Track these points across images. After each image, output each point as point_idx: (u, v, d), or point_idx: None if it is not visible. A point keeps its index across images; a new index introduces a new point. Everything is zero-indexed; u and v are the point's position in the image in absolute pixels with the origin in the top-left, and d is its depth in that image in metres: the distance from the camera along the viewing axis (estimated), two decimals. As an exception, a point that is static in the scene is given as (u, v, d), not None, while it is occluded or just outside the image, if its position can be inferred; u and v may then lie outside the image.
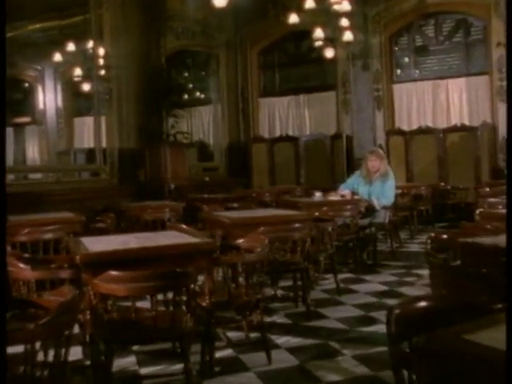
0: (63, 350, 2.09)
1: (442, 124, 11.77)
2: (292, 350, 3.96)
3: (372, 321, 4.64)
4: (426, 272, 6.57)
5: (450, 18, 11.83)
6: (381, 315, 4.78)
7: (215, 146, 13.59)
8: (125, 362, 3.72)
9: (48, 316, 1.95)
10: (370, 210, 6.99)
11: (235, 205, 8.31)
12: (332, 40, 10.50)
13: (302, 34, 12.45)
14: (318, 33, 10.05)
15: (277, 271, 4.53)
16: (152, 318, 2.79)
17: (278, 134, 13.28)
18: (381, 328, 4.43)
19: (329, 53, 10.46)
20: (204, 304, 3.34)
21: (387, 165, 7.31)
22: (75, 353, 3.60)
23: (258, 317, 3.66)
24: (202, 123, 14.14)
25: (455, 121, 11.66)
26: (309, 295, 4.81)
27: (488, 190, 8.54)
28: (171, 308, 2.97)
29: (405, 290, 5.71)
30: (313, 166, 12.56)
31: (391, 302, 5.24)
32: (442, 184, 11.13)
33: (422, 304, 1.90)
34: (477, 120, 11.51)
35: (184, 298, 3.04)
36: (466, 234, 4.29)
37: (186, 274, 2.83)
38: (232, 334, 4.21)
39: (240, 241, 3.95)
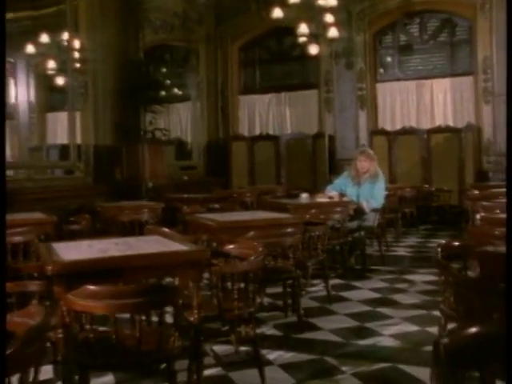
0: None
1: (426, 125, 11.57)
2: (286, 367, 3.62)
3: (368, 333, 4.33)
4: (417, 277, 6.32)
5: (435, 17, 11.63)
6: (377, 326, 4.48)
7: (193, 144, 13.21)
8: (101, 383, 3.35)
9: (12, 345, 1.59)
10: (359, 213, 6.69)
11: (216, 205, 7.99)
12: (316, 36, 10.19)
13: (285, 30, 12.12)
14: (303, 28, 9.74)
15: (267, 279, 4.19)
16: (135, 338, 2.43)
17: (258, 132, 12.97)
18: (378, 341, 4.14)
19: (313, 49, 10.14)
20: (192, 319, 2.98)
21: (377, 166, 7.01)
22: (46, 371, 3.23)
23: (251, 332, 3.31)
24: (180, 120, 13.75)
25: (439, 122, 11.47)
26: (300, 305, 4.47)
27: (477, 192, 8.30)
28: (156, 325, 2.61)
29: (398, 297, 5.42)
30: (294, 165, 12.27)
31: (385, 310, 4.95)
32: (426, 186, 10.92)
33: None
34: (461, 121, 11.33)
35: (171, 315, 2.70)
36: (477, 242, 4.02)
37: (173, 289, 2.48)
38: (219, 348, 3.86)
39: (230, 247, 3.60)
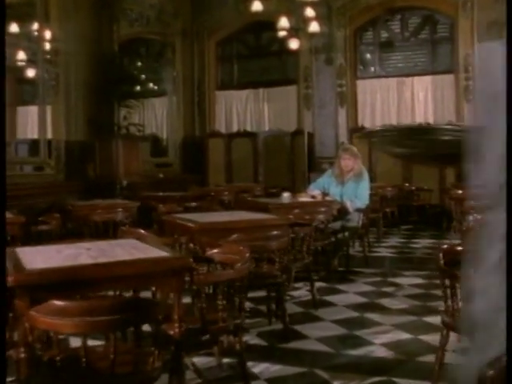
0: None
1: (407, 122, 11.37)
2: (273, 382, 3.34)
3: (359, 342, 4.07)
4: (403, 280, 6.10)
5: (416, 14, 11.45)
6: (367, 334, 4.23)
7: (169, 141, 12.86)
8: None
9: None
10: (343, 213, 6.44)
11: (193, 204, 7.69)
12: (296, 30, 9.93)
13: (263, 24, 11.86)
14: (283, 22, 9.46)
15: (250, 285, 3.90)
16: (108, 358, 2.12)
17: (235, 129, 12.68)
18: (370, 351, 3.88)
19: (293, 44, 9.88)
20: (172, 332, 2.68)
21: (361, 164, 6.77)
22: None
23: (237, 345, 3.02)
24: (156, 116, 13.39)
25: (420, 119, 11.28)
26: (286, 312, 4.19)
27: (460, 192, 8.11)
28: (133, 342, 2.31)
29: (386, 302, 5.17)
30: (272, 163, 12.00)
31: (374, 316, 4.70)
32: (407, 185, 10.73)
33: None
34: (442, 119, 11.17)
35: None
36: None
37: (153, 305, 2.18)
38: (201, 361, 3.57)
39: (214, 251, 3.31)
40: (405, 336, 4.18)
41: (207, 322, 2.85)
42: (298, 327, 4.37)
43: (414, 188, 10.73)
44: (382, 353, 3.85)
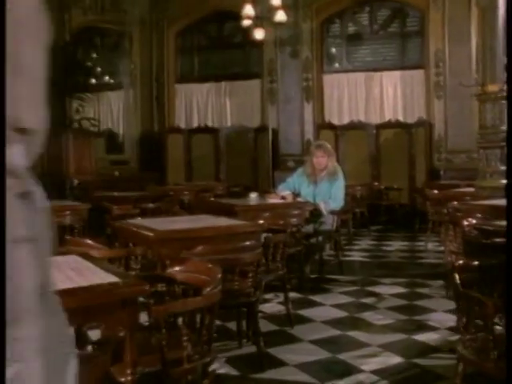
0: None
1: (375, 119, 10.98)
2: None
3: (345, 368, 3.51)
4: (382, 290, 5.58)
5: (385, 6, 11.01)
6: (353, 358, 3.68)
7: (126, 137, 12.18)
8: None
9: None
10: (316, 215, 5.89)
11: (151, 205, 7.05)
12: (261, 19, 9.35)
13: (226, 14, 11.32)
14: (248, 10, 8.87)
15: (220, 306, 3.31)
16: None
17: (195, 124, 12.08)
18: (360, 381, 3.32)
19: (258, 34, 9.29)
20: (123, 380, 2.07)
21: (336, 162, 6.23)
22: None
23: (206, 389, 2.42)
24: (112, 110, 12.67)
25: (389, 116, 10.90)
26: (260, 335, 3.60)
27: (436, 192, 7.69)
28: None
29: (368, 316, 4.64)
30: (234, 160, 11.43)
31: (357, 335, 4.16)
32: (376, 184, 10.30)
33: None
34: (412, 116, 10.79)
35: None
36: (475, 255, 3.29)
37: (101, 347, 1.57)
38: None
39: (176, 269, 2.70)
40: (397, 360, 3.64)
41: (168, 362, 2.24)
42: (274, 351, 3.79)
43: (382, 187, 10.31)
44: (373, 382, 3.30)
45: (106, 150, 12.30)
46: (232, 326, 4.14)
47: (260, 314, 4.23)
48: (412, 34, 10.91)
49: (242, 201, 5.91)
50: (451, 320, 4.41)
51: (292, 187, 6.21)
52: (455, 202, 5.70)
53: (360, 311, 4.79)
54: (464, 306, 2.43)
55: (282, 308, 4.62)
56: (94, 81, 12.57)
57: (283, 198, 5.98)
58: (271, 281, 4.24)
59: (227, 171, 11.48)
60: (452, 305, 4.89)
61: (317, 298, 5.25)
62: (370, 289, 5.57)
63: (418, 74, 10.73)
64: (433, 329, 4.28)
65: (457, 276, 2.51)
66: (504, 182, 6.02)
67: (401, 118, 10.78)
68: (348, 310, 4.81)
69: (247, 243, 3.35)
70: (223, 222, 4.09)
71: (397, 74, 10.87)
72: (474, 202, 5.60)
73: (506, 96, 6.00)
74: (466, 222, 4.17)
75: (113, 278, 2.12)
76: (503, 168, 6.07)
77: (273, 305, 4.99)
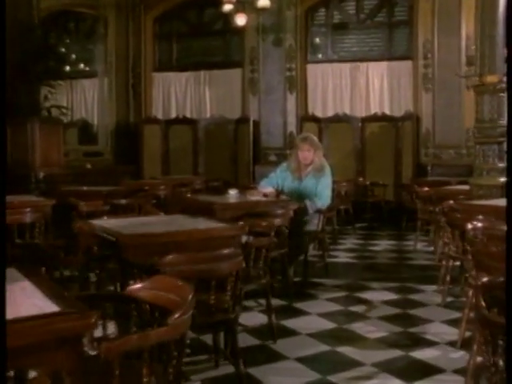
0: None
1: (361, 112, 10.55)
2: None
3: (336, 395, 3.08)
4: (372, 296, 5.16)
5: (373, -6, 10.57)
6: (346, 381, 3.24)
7: (100, 127, 11.61)
8: None
9: None
10: (300, 214, 5.44)
11: (123, 201, 6.53)
12: (243, 4, 8.85)
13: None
14: (230, -6, 8.36)
15: (193, 326, 2.84)
16: None
17: (173, 115, 11.56)
18: (354, 411, 2.88)
19: (239, 20, 8.78)
20: None
21: (322, 156, 5.77)
22: None
23: None
24: (86, 99, 12.13)
25: (375, 109, 10.48)
26: (239, 354, 3.14)
27: (426, 189, 7.29)
28: None
29: (359, 328, 4.20)
30: (213, 153, 10.95)
31: (349, 351, 3.72)
32: (361, 179, 9.89)
33: None
34: (398, 109, 10.38)
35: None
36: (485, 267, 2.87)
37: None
38: None
39: (137, 286, 2.23)
40: (395, 383, 3.21)
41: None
42: (255, 371, 3.34)
43: (367, 183, 9.91)
44: (370, 414, 2.87)
45: (78, 140, 11.77)
46: (208, 339, 3.68)
47: (239, 328, 3.77)
48: (400, 23, 10.50)
49: (221, 198, 5.43)
50: (450, 333, 4.02)
51: (275, 183, 5.75)
52: (451, 201, 5.28)
53: (349, 322, 4.35)
54: (492, 337, 1.98)
55: (263, 318, 4.17)
56: (67, 67, 12.01)
57: (265, 195, 5.52)
58: (253, 290, 3.79)
59: (206, 165, 11.02)
60: (449, 314, 4.50)
61: (301, 305, 4.80)
62: (359, 295, 5.14)
63: (406, 65, 10.32)
64: (431, 344, 3.86)
65: (481, 300, 2.05)
66: (502, 180, 5.63)
67: (387, 111, 10.37)
68: (336, 321, 4.37)
69: (225, 251, 2.88)
70: (199, 224, 3.60)
71: (383, 65, 10.45)
72: (473, 201, 5.20)
73: (505, 88, 5.60)
74: (470, 226, 3.75)
75: (52, 307, 1.64)
76: (501, 165, 5.68)
77: (254, 314, 4.53)
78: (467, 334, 3.77)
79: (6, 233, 3.12)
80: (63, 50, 11.75)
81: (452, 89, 9.74)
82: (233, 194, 5.51)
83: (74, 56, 11.97)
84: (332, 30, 10.74)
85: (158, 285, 2.20)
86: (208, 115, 11.37)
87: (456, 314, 4.48)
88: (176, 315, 1.88)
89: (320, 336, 4.02)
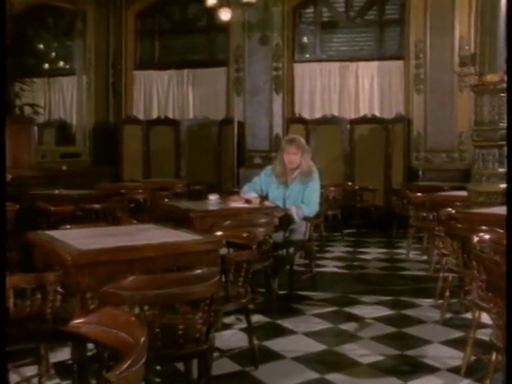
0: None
1: (350, 114, 10.17)
2: None
3: None
4: (364, 311, 4.73)
5: (363, -9, 10.20)
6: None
7: (78, 127, 11.10)
8: None
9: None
10: (285, 222, 5.02)
11: (96, 206, 6.10)
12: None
13: (190, -5, 10.37)
14: (214, -12, 7.94)
15: (157, 358, 2.40)
16: None
17: (155, 115, 11.14)
18: None
19: (224, 15, 8.37)
20: None
21: (310, 160, 5.35)
22: None
23: None
24: (64, 98, 11.61)
25: (364, 111, 10.10)
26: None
27: (420, 195, 6.90)
28: None
29: (350, 350, 3.77)
30: (196, 156, 10.54)
31: (341, 380, 3.29)
32: (349, 184, 9.49)
33: None
34: (389, 111, 10.01)
35: None
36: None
37: None
38: None
39: (82, 321, 1.78)
40: (394, 424, 2.80)
41: None
42: (232, 407, 2.91)
43: (356, 187, 9.50)
44: None
45: (56, 141, 11.29)
46: (180, 365, 3.23)
47: (215, 354, 3.33)
48: (391, 22, 10.14)
49: (200, 204, 4.99)
50: (452, 357, 3.61)
51: (258, 188, 5.32)
52: (449, 209, 4.89)
53: (340, 343, 3.92)
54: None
55: (245, 338, 3.72)
56: (44, 65, 11.56)
57: (248, 201, 5.09)
58: (232, 311, 3.35)
59: (188, 167, 10.59)
60: (449, 334, 4.09)
61: (287, 322, 4.37)
62: (349, 310, 4.72)
63: (397, 65, 9.96)
64: (432, 370, 3.44)
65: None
66: (503, 186, 5.24)
67: (377, 113, 10.00)
68: (325, 341, 3.94)
69: (198, 272, 2.44)
70: (168, 237, 3.15)
71: (374, 64, 10.08)
72: (474, 210, 4.80)
73: (505, 88, 5.22)
74: (476, 238, 3.34)
75: None
76: (502, 170, 5.29)
77: (234, 332, 4.10)
78: (472, 357, 3.38)
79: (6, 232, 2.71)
80: (39, 45, 11.33)
81: (445, 90, 9.40)
82: (213, 199, 5.08)
83: (50, 52, 11.53)
84: (320, 28, 10.35)
85: (107, 320, 1.76)
86: (191, 116, 10.96)
87: (457, 333, 4.09)
88: (124, 366, 1.44)
89: (307, 360, 3.59)
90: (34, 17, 11.00)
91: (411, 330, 4.19)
